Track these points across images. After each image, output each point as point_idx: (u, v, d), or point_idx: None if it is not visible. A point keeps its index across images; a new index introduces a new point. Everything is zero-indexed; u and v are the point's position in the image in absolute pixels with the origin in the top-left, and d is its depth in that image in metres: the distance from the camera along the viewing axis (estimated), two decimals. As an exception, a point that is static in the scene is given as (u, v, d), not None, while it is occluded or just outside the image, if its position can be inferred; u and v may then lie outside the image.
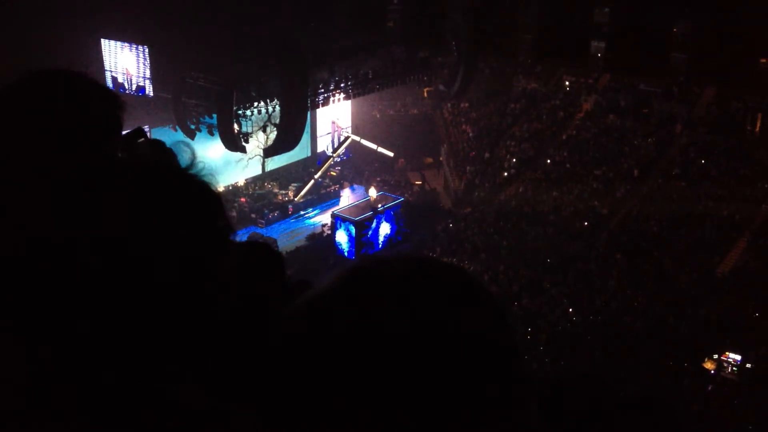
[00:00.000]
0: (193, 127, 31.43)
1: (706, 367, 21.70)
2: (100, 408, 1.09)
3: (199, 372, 1.19)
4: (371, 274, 0.95)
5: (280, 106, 30.94)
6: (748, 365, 21.21)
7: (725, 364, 21.41)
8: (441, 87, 37.76)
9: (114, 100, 1.96)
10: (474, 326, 0.92)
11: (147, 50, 31.06)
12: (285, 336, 0.92)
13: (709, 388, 20.90)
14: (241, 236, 28.96)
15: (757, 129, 30.77)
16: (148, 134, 2.02)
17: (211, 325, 1.22)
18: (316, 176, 36.75)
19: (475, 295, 0.94)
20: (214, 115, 30.40)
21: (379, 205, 30.42)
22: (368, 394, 0.86)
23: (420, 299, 0.91)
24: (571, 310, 24.42)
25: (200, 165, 1.31)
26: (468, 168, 35.70)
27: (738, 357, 21.29)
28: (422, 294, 0.92)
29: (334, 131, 40.34)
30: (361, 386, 0.87)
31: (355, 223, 29.24)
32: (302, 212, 34.97)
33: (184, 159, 1.38)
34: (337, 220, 30.07)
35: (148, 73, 31.41)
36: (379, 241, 30.20)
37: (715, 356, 21.63)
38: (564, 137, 34.78)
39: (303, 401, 0.89)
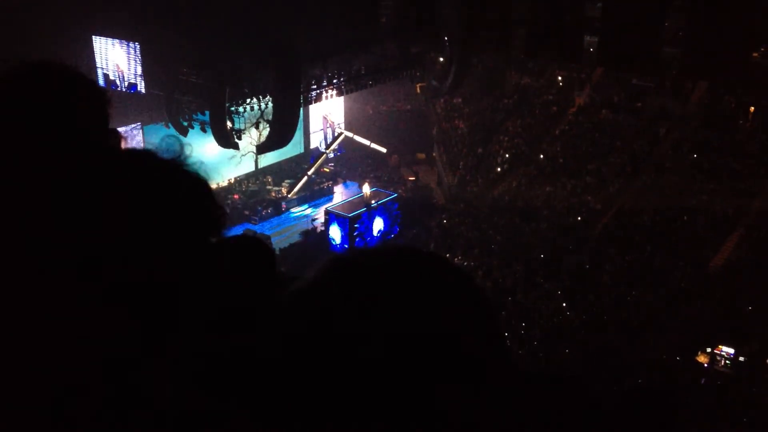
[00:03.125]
0: (185, 123, 31.35)
1: (700, 360, 21.78)
2: (97, 409, 1.08)
3: (193, 371, 1.18)
4: (353, 268, 0.93)
5: (272, 102, 30.89)
6: (741, 358, 21.30)
7: (718, 358, 21.49)
8: (434, 82, 37.73)
9: (101, 94, 1.95)
10: (455, 322, 0.90)
11: (138, 47, 30.93)
12: (267, 335, 0.91)
13: (703, 381, 20.98)
14: (235, 233, 28.89)
15: (749, 123, 30.84)
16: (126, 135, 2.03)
17: (203, 323, 1.20)
18: (309, 173, 36.74)
19: (459, 287, 0.92)
20: (207, 112, 30.34)
21: (373, 201, 30.42)
22: (349, 392, 0.85)
23: (401, 294, 0.90)
24: (564, 304, 24.46)
25: (192, 159, 1.30)
26: (461, 163, 35.74)
27: (731, 350, 21.38)
28: (403, 288, 0.91)
29: (327, 127, 40.32)
30: (342, 384, 0.85)
31: (349, 219, 29.25)
32: (292, 211, 34.93)
33: (173, 152, 1.36)
34: (331, 216, 30.07)
35: (139, 70, 31.28)
36: (373, 237, 30.21)
37: (709, 350, 21.70)
38: (557, 132, 34.82)
39: (288, 400, 0.88)
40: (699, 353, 21.86)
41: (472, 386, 0.89)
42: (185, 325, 1.17)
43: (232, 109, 30.84)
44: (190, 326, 1.18)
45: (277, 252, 27.94)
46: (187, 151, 1.35)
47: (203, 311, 1.22)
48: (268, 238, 28.12)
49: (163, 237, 1.16)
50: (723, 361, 21.44)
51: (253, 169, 36.86)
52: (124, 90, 31.49)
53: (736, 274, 24.74)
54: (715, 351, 21.57)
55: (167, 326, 1.15)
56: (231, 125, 30.96)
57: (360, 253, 0.98)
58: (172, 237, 1.17)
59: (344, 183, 38.01)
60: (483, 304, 0.95)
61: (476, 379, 0.89)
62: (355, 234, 29.28)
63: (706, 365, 21.60)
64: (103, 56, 31.71)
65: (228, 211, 33.31)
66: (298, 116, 31.87)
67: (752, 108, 30.83)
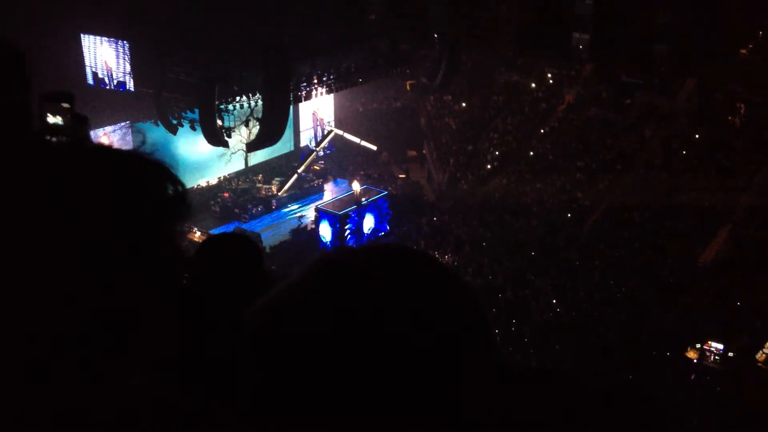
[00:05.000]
0: (175, 122, 31.25)
1: (689, 356, 21.85)
2: (89, 407, 1.07)
3: (182, 370, 1.17)
4: (339, 267, 0.93)
5: (262, 100, 30.82)
6: (730, 354, 21.39)
7: (708, 353, 21.56)
8: (424, 80, 37.73)
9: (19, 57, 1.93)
10: (444, 316, 0.90)
11: (127, 45, 30.82)
12: (253, 333, 0.90)
13: (692, 377, 21.06)
14: (225, 231, 28.83)
15: (738, 119, 30.94)
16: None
17: (181, 317, 1.19)
18: (299, 170, 36.66)
19: (447, 285, 0.92)
20: (196, 110, 30.25)
21: (363, 199, 30.38)
22: (332, 394, 0.84)
23: (388, 292, 0.89)
24: (554, 301, 24.51)
25: (149, 148, 1.25)
26: (451, 161, 35.74)
27: (720, 346, 21.45)
28: (390, 286, 0.90)
29: (317, 125, 40.27)
30: (326, 385, 0.85)
31: (339, 217, 29.21)
32: (287, 207, 34.91)
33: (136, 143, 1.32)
34: (321, 214, 30.02)
35: (128, 68, 31.17)
36: (363, 235, 30.18)
37: (698, 345, 21.78)
38: (546, 129, 34.87)
39: (272, 400, 0.88)
40: (688, 349, 21.94)
41: (464, 384, 0.88)
42: (160, 321, 1.16)
43: (222, 107, 30.75)
44: (165, 322, 1.16)
45: (268, 250, 27.89)
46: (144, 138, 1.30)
47: (180, 308, 1.20)
48: (258, 235, 28.06)
49: (120, 222, 1.12)
50: (712, 357, 21.52)
51: (243, 167, 36.78)
52: (113, 88, 31.38)
53: (725, 270, 24.84)
54: (705, 347, 21.64)
55: (138, 322, 1.13)
56: (221, 123, 30.88)
57: (347, 251, 0.97)
58: (129, 222, 1.13)
59: (334, 181, 37.97)
60: (471, 301, 0.95)
61: (467, 377, 0.89)
62: (346, 233, 29.25)
63: (695, 361, 21.68)
64: (92, 54, 31.59)
65: (218, 209, 33.20)
66: (288, 114, 31.81)
67: (741, 104, 30.93)
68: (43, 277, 1.06)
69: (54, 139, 1.30)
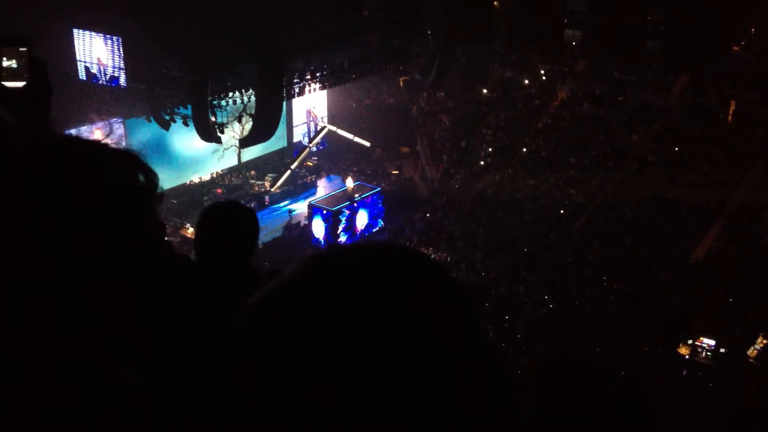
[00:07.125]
0: (167, 117, 31.15)
1: (681, 352, 21.93)
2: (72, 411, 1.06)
3: (172, 367, 1.16)
4: (330, 262, 0.92)
5: (255, 96, 30.75)
6: (722, 350, 21.46)
7: (699, 349, 21.64)
8: (417, 76, 37.73)
9: None
10: (435, 314, 0.89)
11: (120, 40, 30.71)
12: (244, 330, 0.89)
13: (684, 372, 21.13)
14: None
15: (731, 116, 31.04)
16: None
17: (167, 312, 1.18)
18: (292, 166, 36.64)
19: (438, 282, 0.92)
20: (189, 106, 30.16)
21: (356, 195, 30.39)
22: (328, 389, 0.84)
23: (379, 288, 0.89)
24: (547, 297, 24.56)
25: (116, 138, 1.23)
26: (444, 157, 35.77)
27: (712, 342, 21.53)
28: (382, 282, 0.90)
29: (310, 120, 40.25)
30: (321, 381, 0.84)
31: (332, 213, 29.20)
32: (277, 205, 34.88)
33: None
34: (314, 209, 30.01)
35: (121, 64, 31.06)
36: (356, 231, 30.19)
37: (690, 341, 21.85)
38: (539, 125, 34.91)
39: (262, 399, 0.87)
40: (680, 345, 22.01)
41: (459, 382, 0.88)
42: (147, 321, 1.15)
43: (215, 102, 30.66)
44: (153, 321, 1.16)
45: (260, 246, 27.87)
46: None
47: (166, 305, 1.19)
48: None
49: (90, 214, 1.11)
50: (704, 353, 21.59)
51: (236, 163, 36.73)
52: (105, 83, 31.27)
53: (718, 266, 24.92)
54: (697, 343, 21.72)
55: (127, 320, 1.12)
56: (213, 119, 30.78)
57: (339, 249, 0.96)
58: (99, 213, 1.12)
59: (327, 177, 37.94)
60: (461, 297, 0.95)
61: (460, 375, 0.88)
62: (339, 230, 29.24)
63: (687, 357, 21.76)
64: (85, 49, 31.46)
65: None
66: (281, 110, 31.76)
67: (733, 101, 31.02)
68: (16, 271, 1.05)
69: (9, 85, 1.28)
